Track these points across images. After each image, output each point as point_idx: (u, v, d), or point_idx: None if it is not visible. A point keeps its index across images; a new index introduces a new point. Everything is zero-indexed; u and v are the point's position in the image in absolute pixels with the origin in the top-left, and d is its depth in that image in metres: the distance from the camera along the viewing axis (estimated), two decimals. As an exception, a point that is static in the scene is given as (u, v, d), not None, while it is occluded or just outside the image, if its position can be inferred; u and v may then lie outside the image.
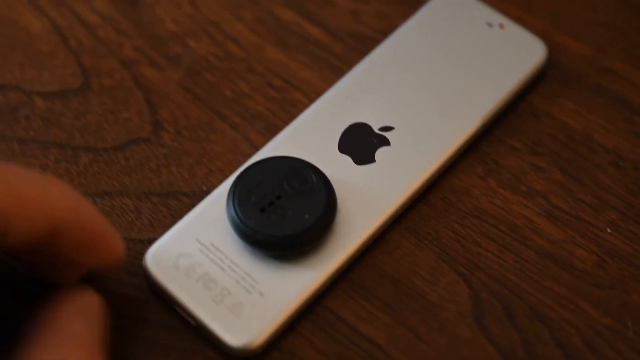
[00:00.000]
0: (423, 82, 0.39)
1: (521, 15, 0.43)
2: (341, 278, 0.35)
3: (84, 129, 0.39)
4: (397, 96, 0.39)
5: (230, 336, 0.32)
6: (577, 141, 0.39)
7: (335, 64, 0.41)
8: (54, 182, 0.29)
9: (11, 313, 0.32)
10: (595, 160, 0.38)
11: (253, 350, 0.32)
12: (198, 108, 0.40)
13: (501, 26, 0.41)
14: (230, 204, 0.34)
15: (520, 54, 0.40)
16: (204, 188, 0.37)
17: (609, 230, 0.36)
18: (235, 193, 0.34)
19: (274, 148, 0.37)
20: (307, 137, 0.37)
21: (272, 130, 0.39)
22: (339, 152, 0.37)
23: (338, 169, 0.36)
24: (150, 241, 0.35)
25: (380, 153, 0.37)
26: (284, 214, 0.34)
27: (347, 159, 0.37)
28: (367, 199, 0.36)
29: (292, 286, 0.33)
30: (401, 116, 0.38)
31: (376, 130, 0.38)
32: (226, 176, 0.37)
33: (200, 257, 0.34)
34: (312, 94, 0.40)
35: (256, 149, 0.38)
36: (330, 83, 0.40)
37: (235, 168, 0.37)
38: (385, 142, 0.37)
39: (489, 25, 0.41)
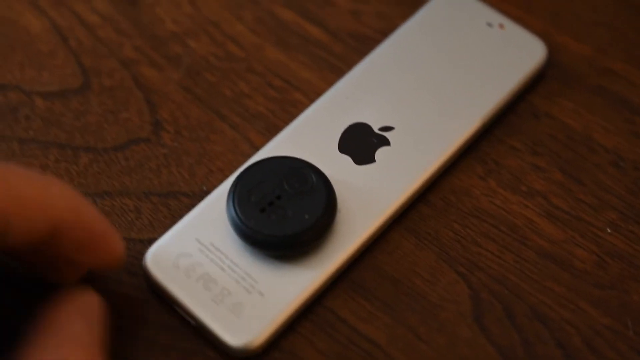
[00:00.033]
0: (423, 82, 0.39)
1: (521, 15, 0.43)
2: (341, 278, 0.35)
3: (84, 129, 0.39)
4: (397, 96, 0.39)
5: (230, 336, 0.32)
6: (577, 141, 0.39)
7: (335, 64, 0.41)
8: (54, 182, 0.29)
9: (11, 313, 0.32)
10: (595, 160, 0.38)
11: (253, 350, 0.32)
12: (198, 108, 0.40)
13: (501, 26, 0.41)
14: (230, 204, 0.34)
15: (520, 54, 0.40)
16: (204, 188, 0.37)
17: (609, 230, 0.36)
18: (235, 193, 0.34)
19: (274, 148, 0.37)
20: (307, 137, 0.37)
21: (272, 130, 0.39)
22: (339, 152, 0.37)
23: (338, 169, 0.36)
24: (150, 241, 0.35)
25: (380, 153, 0.37)
26: (284, 214, 0.34)
27: (347, 159, 0.37)
28: (367, 199, 0.36)
29: (292, 286, 0.33)
30: (401, 116, 0.38)
31: (376, 130, 0.38)
32: (226, 176, 0.37)
33: (200, 257, 0.34)
34: (312, 94, 0.40)
35: (256, 149, 0.38)
36: (330, 83, 0.40)
37: (235, 168, 0.37)
38: (385, 142, 0.37)
39: (489, 25, 0.41)
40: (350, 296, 0.34)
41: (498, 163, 0.38)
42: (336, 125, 0.38)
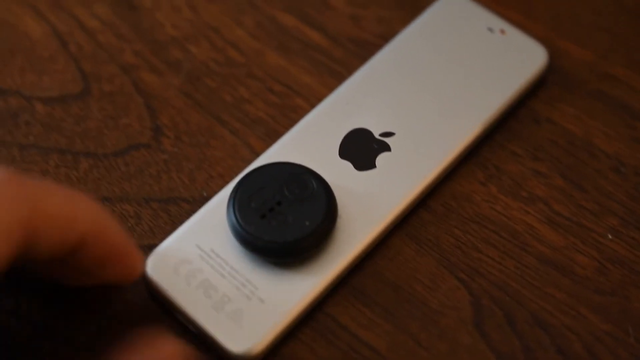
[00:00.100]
0: (424, 88, 0.39)
1: (522, 20, 0.43)
2: (342, 284, 0.35)
3: (84, 135, 0.39)
4: (397, 101, 0.39)
5: (230, 343, 0.32)
6: (578, 147, 0.39)
7: (335, 69, 0.41)
8: (81, 197, 0.29)
9: (11, 315, 0.32)
10: (596, 165, 0.38)
11: (254, 357, 0.32)
12: (198, 113, 0.40)
13: (502, 31, 0.41)
14: (231, 210, 0.34)
15: (521, 59, 0.40)
16: (204, 194, 0.37)
17: (609, 237, 0.36)
18: (236, 199, 0.34)
19: (275, 154, 0.37)
20: (308, 142, 0.37)
21: (272, 136, 0.39)
22: (339, 158, 0.37)
23: (338, 174, 0.36)
24: (151, 247, 0.35)
25: (381, 159, 0.37)
26: (285, 220, 0.34)
27: (348, 165, 0.37)
28: (368, 205, 0.35)
29: (292, 293, 0.33)
30: (402, 122, 0.38)
31: (377, 136, 0.38)
32: (226, 182, 0.37)
33: (201, 264, 0.34)
34: (313, 99, 0.40)
35: (256, 154, 0.38)
36: (330, 88, 0.40)
37: (236, 174, 0.37)
38: (386, 147, 0.37)
39: (490, 30, 0.41)
40: (350, 302, 0.34)
41: (499, 168, 0.38)
42: (337, 130, 0.38)
